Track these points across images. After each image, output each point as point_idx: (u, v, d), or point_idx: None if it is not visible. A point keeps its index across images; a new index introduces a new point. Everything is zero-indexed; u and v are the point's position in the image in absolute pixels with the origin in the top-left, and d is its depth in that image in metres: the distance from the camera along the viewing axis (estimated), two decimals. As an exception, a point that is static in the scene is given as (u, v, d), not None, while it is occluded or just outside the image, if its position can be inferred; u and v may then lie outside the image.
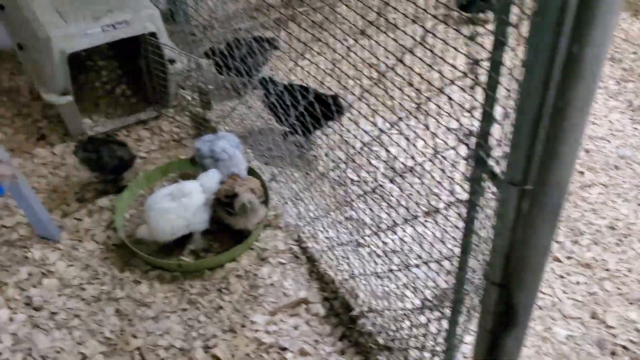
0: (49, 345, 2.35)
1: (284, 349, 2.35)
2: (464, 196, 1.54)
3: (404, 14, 1.54)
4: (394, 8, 1.57)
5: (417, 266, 1.81)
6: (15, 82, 3.93)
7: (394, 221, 1.79)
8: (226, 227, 2.78)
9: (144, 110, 3.60)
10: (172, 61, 3.36)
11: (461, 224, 1.60)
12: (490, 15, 4.34)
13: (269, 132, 3.31)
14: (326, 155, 3.06)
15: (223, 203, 2.66)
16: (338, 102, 2.83)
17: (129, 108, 3.66)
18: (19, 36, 3.58)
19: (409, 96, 1.56)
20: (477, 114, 1.35)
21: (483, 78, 1.30)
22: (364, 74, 1.77)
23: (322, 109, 2.55)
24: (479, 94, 1.31)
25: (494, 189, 1.41)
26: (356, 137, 1.88)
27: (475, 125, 1.38)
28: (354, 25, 1.66)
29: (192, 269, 2.63)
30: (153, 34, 3.26)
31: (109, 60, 4.04)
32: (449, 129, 1.53)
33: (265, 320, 2.45)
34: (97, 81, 3.85)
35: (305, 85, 2.80)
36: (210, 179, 2.71)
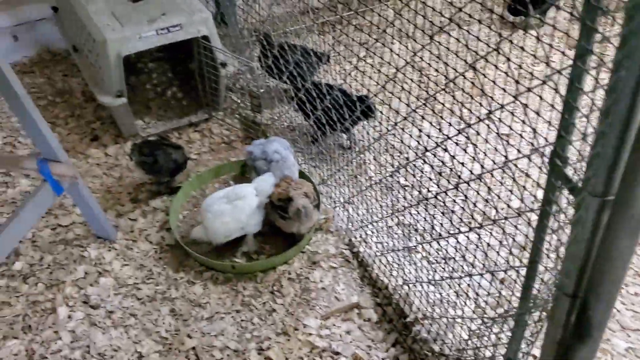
0: (106, 343, 2.39)
1: (337, 353, 2.35)
2: (524, 204, 1.52)
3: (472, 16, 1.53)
4: (461, 10, 1.56)
5: (480, 275, 1.78)
6: (68, 84, 4.02)
7: (457, 228, 1.77)
8: (277, 230, 2.80)
9: (195, 112, 3.64)
10: (223, 64, 3.39)
11: (531, 233, 1.57)
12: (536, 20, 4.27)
13: (320, 136, 3.31)
14: (375, 159, 3.06)
15: (276, 206, 2.67)
16: (367, 104, 2.90)
17: (180, 110, 3.70)
18: (74, 38, 3.66)
19: (480, 103, 1.54)
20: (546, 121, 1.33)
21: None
22: (430, 79, 1.76)
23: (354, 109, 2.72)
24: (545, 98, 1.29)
25: (570, 199, 1.39)
26: (419, 143, 1.87)
27: (545, 131, 1.36)
28: (422, 30, 1.66)
29: (245, 271, 2.65)
30: (206, 37, 3.29)
31: (159, 62, 4.10)
32: (522, 137, 1.51)
33: (317, 324, 2.46)
34: (148, 83, 3.91)
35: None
36: (265, 183, 2.72)
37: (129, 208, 3.01)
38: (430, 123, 1.79)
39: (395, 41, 2.00)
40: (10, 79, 2.19)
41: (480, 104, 1.55)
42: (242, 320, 2.47)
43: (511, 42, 1.42)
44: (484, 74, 1.53)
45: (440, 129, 1.74)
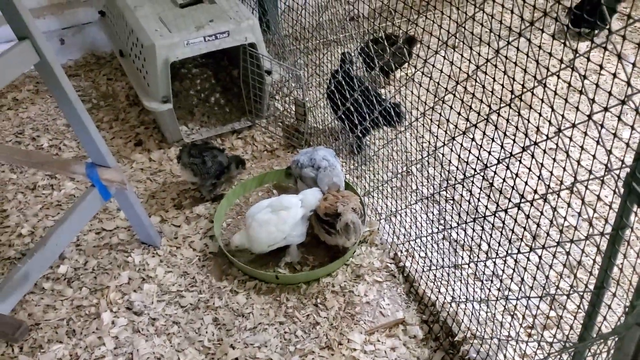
0: (149, 350, 2.38)
1: (382, 370, 2.30)
2: (592, 227, 1.46)
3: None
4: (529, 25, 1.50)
5: (540, 297, 1.72)
6: (113, 88, 4.04)
7: (517, 249, 1.72)
8: (320, 241, 2.77)
9: (238, 119, 3.63)
10: (269, 72, 3.37)
11: (598, 258, 1.51)
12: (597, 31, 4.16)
13: (364, 147, 3.28)
14: (421, 173, 3.00)
15: (323, 220, 2.62)
16: (399, 110, 2.99)
17: (223, 117, 3.69)
18: (121, 43, 3.68)
19: (549, 121, 1.49)
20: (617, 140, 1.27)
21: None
22: (493, 93, 1.71)
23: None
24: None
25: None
26: (479, 159, 1.81)
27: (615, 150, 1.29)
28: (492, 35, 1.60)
29: (289, 282, 2.62)
30: (252, 45, 3.28)
31: (202, 68, 4.11)
32: (594, 157, 1.45)
33: (362, 340, 2.41)
34: (191, 89, 3.91)
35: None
36: (312, 196, 2.68)
37: (173, 214, 3.01)
38: (492, 139, 1.74)
39: (454, 53, 1.95)
40: (63, 83, 2.20)
41: (549, 122, 1.49)
42: (285, 332, 2.44)
43: (588, 59, 1.36)
44: (555, 91, 1.48)
45: (502, 146, 1.68)
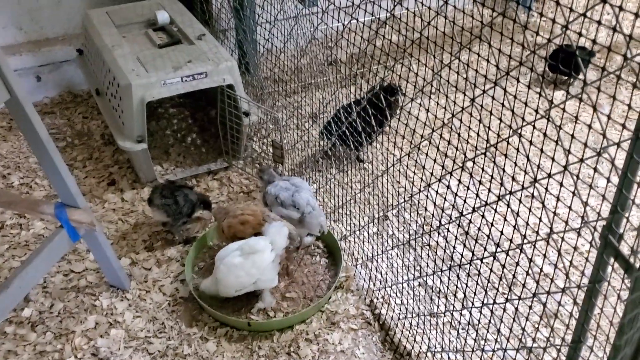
0: (113, 400, 2.28)
1: (356, 422, 2.22)
2: (569, 279, 1.44)
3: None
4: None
5: (516, 350, 1.68)
6: (88, 126, 3.99)
7: (493, 299, 1.68)
8: (294, 286, 2.72)
9: (214, 160, 3.59)
10: (247, 113, 3.36)
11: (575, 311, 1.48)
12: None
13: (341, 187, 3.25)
14: (397, 219, 2.98)
15: None
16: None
17: (199, 158, 3.66)
18: (98, 82, 3.65)
19: (524, 170, 1.48)
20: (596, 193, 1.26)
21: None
22: (468, 142, 1.70)
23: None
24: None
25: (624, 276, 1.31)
26: (454, 207, 1.80)
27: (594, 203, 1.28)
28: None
29: (261, 329, 2.55)
30: (230, 86, 3.27)
31: (179, 108, 4.08)
32: (570, 209, 1.44)
33: (335, 390, 2.34)
34: (168, 129, 3.88)
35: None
36: (280, 237, 2.62)
37: (144, 256, 2.94)
38: (468, 187, 1.72)
39: (430, 100, 1.95)
40: (34, 122, 2.15)
41: (525, 172, 1.48)
42: (256, 382, 2.36)
43: (563, 110, 1.36)
44: (530, 142, 1.47)
45: (477, 194, 1.67)
